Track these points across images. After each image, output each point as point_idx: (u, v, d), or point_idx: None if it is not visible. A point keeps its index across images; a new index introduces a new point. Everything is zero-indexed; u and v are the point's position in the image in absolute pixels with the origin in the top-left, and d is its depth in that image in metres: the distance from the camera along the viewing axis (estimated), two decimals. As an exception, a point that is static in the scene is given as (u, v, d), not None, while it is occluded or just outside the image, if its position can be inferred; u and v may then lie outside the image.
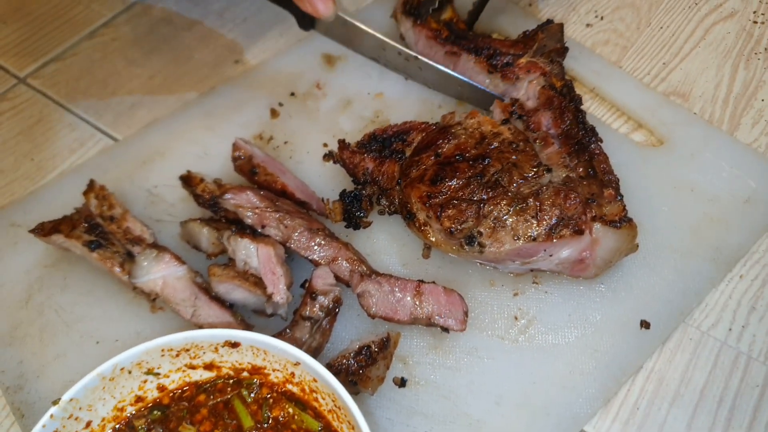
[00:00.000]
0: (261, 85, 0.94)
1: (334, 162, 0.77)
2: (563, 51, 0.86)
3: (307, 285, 0.69)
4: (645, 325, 0.70)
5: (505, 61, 0.82)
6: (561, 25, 0.88)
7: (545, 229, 0.66)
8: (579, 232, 0.66)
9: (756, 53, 0.95)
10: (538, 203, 0.67)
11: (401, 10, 0.92)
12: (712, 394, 0.68)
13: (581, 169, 0.71)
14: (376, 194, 0.76)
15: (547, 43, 0.86)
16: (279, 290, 0.66)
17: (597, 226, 0.67)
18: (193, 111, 0.92)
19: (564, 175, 0.70)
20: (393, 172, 0.74)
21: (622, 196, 0.70)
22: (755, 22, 0.99)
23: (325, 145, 0.87)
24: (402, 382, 0.67)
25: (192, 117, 0.91)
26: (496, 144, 0.72)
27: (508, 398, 0.66)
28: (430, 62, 0.84)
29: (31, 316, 0.74)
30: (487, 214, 0.67)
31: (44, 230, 0.75)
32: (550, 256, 0.68)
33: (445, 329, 0.68)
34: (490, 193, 0.68)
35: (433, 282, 0.70)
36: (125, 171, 0.86)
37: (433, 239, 0.69)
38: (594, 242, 0.67)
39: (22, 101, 1.00)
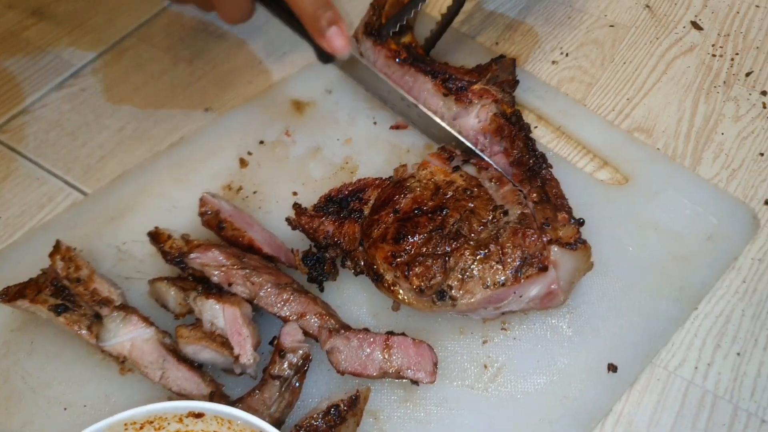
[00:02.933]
0: (230, 134, 0.94)
1: (293, 228, 0.77)
2: (515, 83, 0.91)
3: (275, 343, 0.69)
4: (612, 368, 0.70)
5: (459, 85, 0.85)
6: (514, 60, 0.93)
7: (512, 273, 0.67)
8: (544, 269, 0.67)
9: (715, 86, 0.98)
10: (499, 247, 0.68)
11: (362, 31, 0.95)
12: (682, 436, 0.69)
13: (534, 195, 0.73)
14: (339, 256, 0.76)
15: (500, 74, 0.90)
16: (245, 351, 0.66)
17: (555, 248, 0.69)
18: (162, 162, 0.92)
19: (518, 213, 0.72)
20: (354, 233, 0.74)
21: (575, 219, 0.73)
22: (714, 55, 1.02)
23: (295, 193, 0.87)
24: (373, 439, 0.67)
25: (161, 169, 0.91)
26: (450, 193, 0.73)
27: (479, 450, 0.66)
28: (428, 112, 0.85)
29: (-2, 383, 0.73)
30: (453, 267, 0.68)
31: (9, 295, 0.74)
32: (520, 297, 0.69)
33: (415, 382, 0.68)
34: (453, 244, 0.68)
35: (403, 333, 0.70)
36: (93, 227, 0.86)
37: (404, 298, 0.70)
38: (553, 264, 0.69)
39: (-10, 156, 0.99)
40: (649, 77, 1.00)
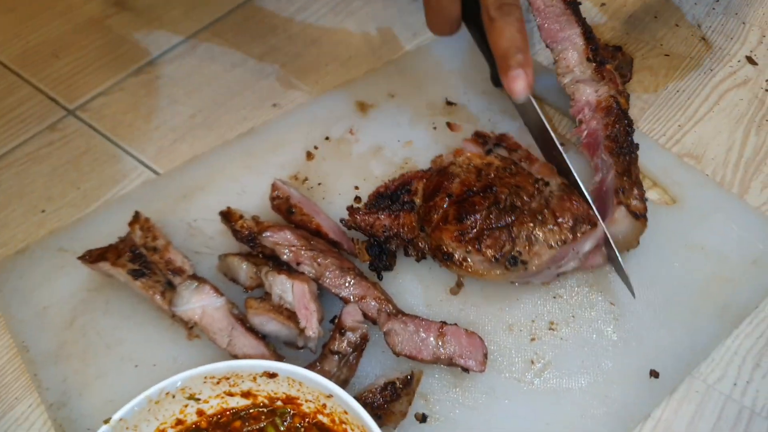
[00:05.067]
0: (298, 128, 1.00)
1: (348, 228, 0.82)
2: (629, 78, 1.01)
3: (336, 321, 0.73)
4: (654, 374, 0.73)
5: (600, 59, 0.92)
6: (632, 59, 1.05)
7: (569, 232, 0.74)
8: (594, 225, 0.75)
9: (767, 120, 1.01)
10: (551, 213, 0.76)
11: None
12: (717, 446, 0.71)
13: (619, 167, 0.82)
14: (400, 246, 0.81)
15: (623, 66, 0.98)
16: (311, 325, 0.70)
17: (622, 209, 0.78)
18: (233, 149, 0.98)
19: (559, 182, 0.80)
20: (411, 222, 0.80)
21: (646, 199, 0.81)
22: (767, 90, 1.05)
23: (356, 187, 0.92)
24: (423, 418, 0.70)
25: (232, 155, 0.97)
26: (493, 173, 0.79)
27: (523, 439, 0.69)
28: (567, 161, 0.83)
29: (75, 336, 0.78)
30: (517, 234, 0.74)
31: (91, 257, 0.80)
32: (577, 253, 0.76)
33: (466, 369, 0.72)
34: (512, 216, 0.74)
35: (455, 324, 0.74)
36: (167, 203, 0.91)
37: (477, 270, 0.74)
38: (611, 221, 0.78)
39: (71, 132, 1.06)
40: (701, 106, 1.03)
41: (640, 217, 0.78)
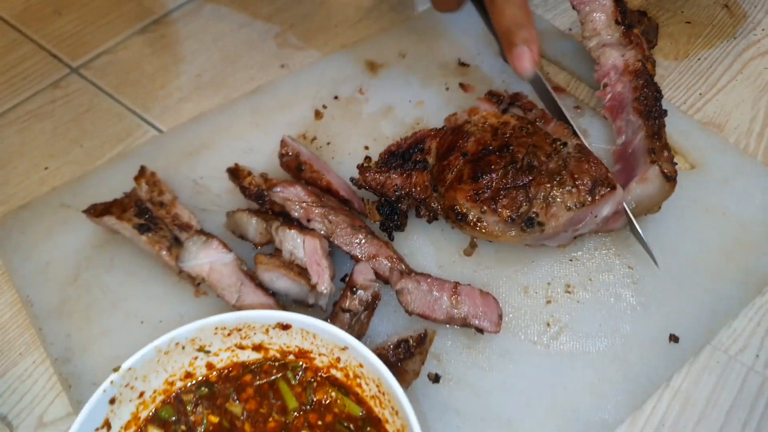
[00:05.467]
0: (306, 87, 0.97)
1: (359, 187, 0.79)
2: (654, 44, 0.97)
3: (347, 279, 0.71)
4: (674, 338, 0.71)
5: (628, 22, 0.89)
6: (657, 24, 1.01)
7: (587, 194, 0.71)
8: (613, 188, 0.72)
9: (791, 88, 0.98)
10: (569, 174, 0.73)
11: None
12: (737, 417, 0.69)
13: (647, 129, 0.80)
14: (412, 207, 0.78)
15: (649, 30, 0.95)
16: (323, 281, 0.68)
17: (655, 167, 0.75)
18: (239, 107, 0.95)
19: (575, 143, 0.77)
20: (423, 181, 0.77)
21: (676, 162, 0.79)
22: (790, 59, 1.02)
23: (366, 147, 0.90)
24: (436, 378, 0.68)
25: (238, 113, 0.94)
26: (509, 132, 0.76)
27: (539, 401, 0.67)
28: (579, 133, 0.83)
29: (79, 292, 0.76)
30: (535, 195, 0.71)
31: (96, 211, 0.77)
32: (595, 216, 0.73)
33: (480, 330, 0.70)
34: (529, 176, 0.72)
35: (469, 285, 0.72)
36: (171, 161, 0.89)
37: (492, 231, 0.72)
38: (642, 180, 0.75)
39: (74, 90, 1.03)
40: (724, 75, 1.00)
41: (670, 179, 0.75)
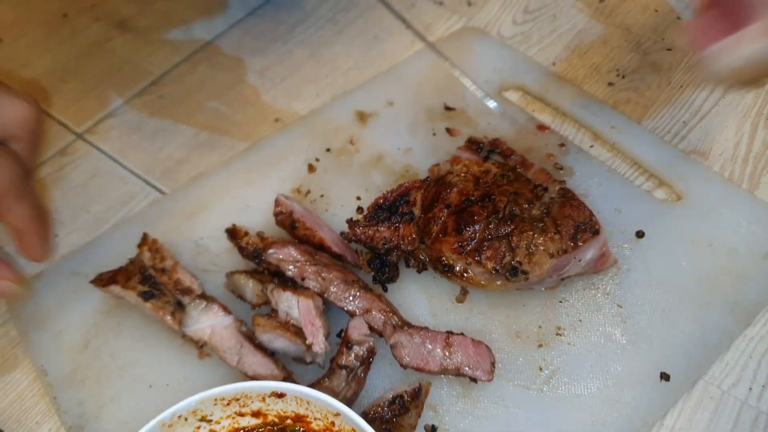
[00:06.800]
0: (299, 141, 1.00)
1: (349, 241, 0.82)
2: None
3: (343, 335, 0.74)
4: (665, 377, 0.73)
5: None
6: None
7: (570, 240, 0.73)
8: (596, 233, 0.74)
9: (774, 111, 0.99)
10: (552, 220, 0.75)
11: None
12: (734, 452, 0.70)
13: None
14: (401, 258, 0.81)
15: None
16: (318, 341, 0.71)
17: None
18: (235, 166, 0.99)
19: (557, 188, 0.79)
20: (411, 233, 0.79)
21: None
22: (772, 81, 1.03)
23: (359, 198, 0.93)
24: (433, 429, 0.70)
25: (234, 172, 0.98)
26: (490, 180, 0.79)
27: (534, 447, 0.69)
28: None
29: (89, 359, 0.80)
30: (517, 244, 0.73)
31: (103, 281, 0.81)
32: (579, 261, 0.75)
33: (474, 379, 0.72)
34: (511, 225, 0.74)
35: (462, 333, 0.74)
36: (173, 223, 0.93)
37: (479, 282, 0.75)
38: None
39: (80, 156, 1.08)
40: (706, 101, 1.02)
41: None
